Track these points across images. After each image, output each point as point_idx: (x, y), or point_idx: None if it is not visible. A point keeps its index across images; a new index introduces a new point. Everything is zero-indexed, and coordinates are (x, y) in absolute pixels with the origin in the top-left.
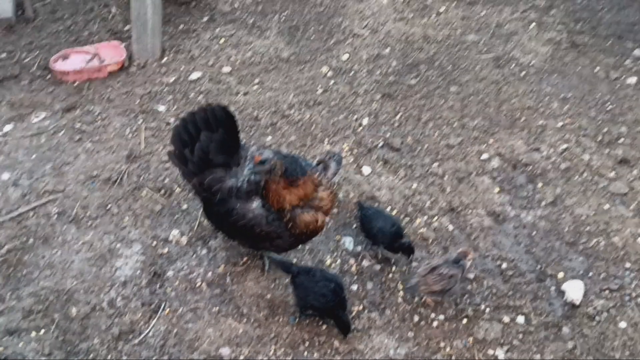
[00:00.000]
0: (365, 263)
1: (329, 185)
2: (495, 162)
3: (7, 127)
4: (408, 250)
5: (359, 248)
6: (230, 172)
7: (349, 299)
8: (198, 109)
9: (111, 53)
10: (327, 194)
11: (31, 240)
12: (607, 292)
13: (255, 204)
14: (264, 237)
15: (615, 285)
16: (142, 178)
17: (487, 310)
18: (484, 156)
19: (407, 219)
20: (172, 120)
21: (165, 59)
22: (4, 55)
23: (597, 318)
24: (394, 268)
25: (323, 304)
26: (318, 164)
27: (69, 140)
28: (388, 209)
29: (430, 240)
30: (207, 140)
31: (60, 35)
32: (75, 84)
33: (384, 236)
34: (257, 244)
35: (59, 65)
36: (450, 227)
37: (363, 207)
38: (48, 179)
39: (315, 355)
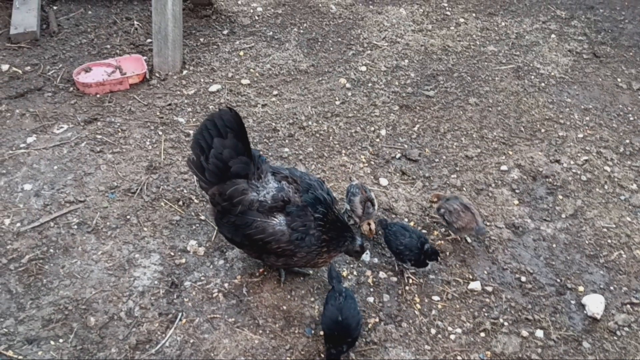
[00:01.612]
0: (381, 275)
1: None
2: (515, 174)
3: (30, 139)
4: (434, 255)
5: (376, 260)
6: (252, 185)
7: (365, 310)
8: (209, 114)
9: (133, 66)
10: None
11: (52, 249)
12: (628, 306)
13: (277, 220)
14: (274, 252)
15: (637, 300)
16: (161, 189)
17: (506, 323)
18: (504, 168)
19: (425, 231)
20: (191, 132)
21: (185, 71)
22: (28, 68)
23: (618, 333)
24: (410, 280)
25: (325, 330)
26: (364, 202)
27: (90, 151)
28: (405, 220)
29: (448, 253)
30: (220, 147)
31: (83, 49)
32: (97, 96)
33: (412, 253)
34: (264, 256)
35: (82, 78)
36: (469, 239)
37: (387, 224)
38: (69, 189)
39: None
